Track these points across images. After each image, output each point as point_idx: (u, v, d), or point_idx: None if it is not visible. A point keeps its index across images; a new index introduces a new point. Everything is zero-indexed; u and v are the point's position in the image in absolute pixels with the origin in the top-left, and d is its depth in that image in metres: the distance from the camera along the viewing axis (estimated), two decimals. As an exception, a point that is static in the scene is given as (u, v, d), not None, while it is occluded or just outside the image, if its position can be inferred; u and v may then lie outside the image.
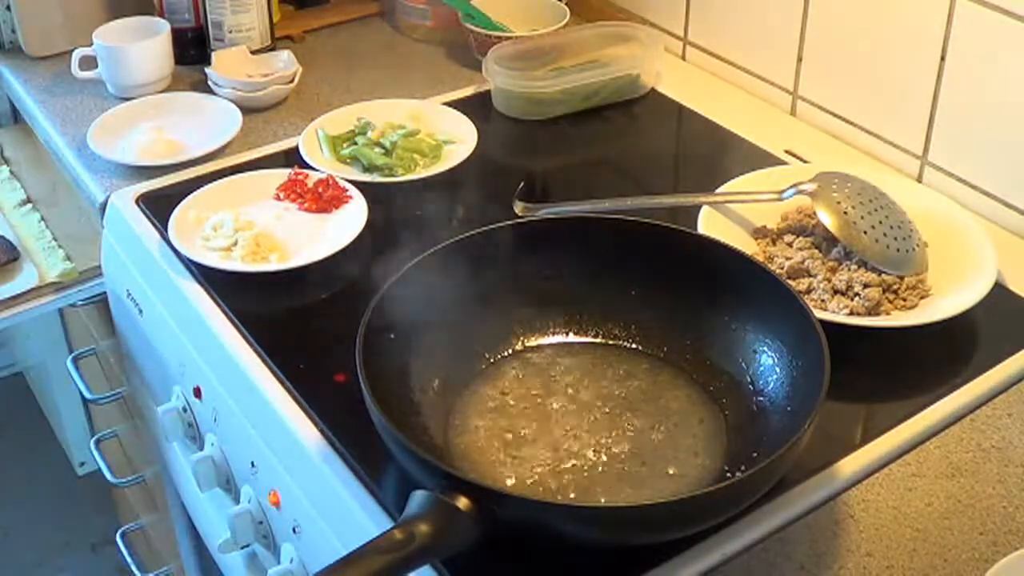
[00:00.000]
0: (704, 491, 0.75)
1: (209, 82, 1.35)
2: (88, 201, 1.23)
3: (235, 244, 1.05)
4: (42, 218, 1.35)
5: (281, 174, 1.15)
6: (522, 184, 1.12)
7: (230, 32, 1.41)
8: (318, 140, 1.21)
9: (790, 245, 1.03)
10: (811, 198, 1.03)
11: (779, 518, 0.79)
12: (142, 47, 1.35)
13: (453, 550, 0.69)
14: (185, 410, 1.07)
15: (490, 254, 0.90)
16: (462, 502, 0.68)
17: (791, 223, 1.06)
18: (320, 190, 1.12)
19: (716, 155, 1.25)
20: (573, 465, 0.82)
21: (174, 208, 1.08)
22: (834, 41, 1.24)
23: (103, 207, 1.19)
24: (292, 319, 1.02)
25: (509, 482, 0.80)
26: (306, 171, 1.15)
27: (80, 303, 1.29)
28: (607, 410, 0.87)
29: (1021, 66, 1.05)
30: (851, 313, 0.95)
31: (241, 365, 0.94)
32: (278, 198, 1.13)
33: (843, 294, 0.97)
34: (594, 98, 1.32)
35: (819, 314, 0.86)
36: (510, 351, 0.92)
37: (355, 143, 1.20)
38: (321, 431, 0.87)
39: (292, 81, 1.36)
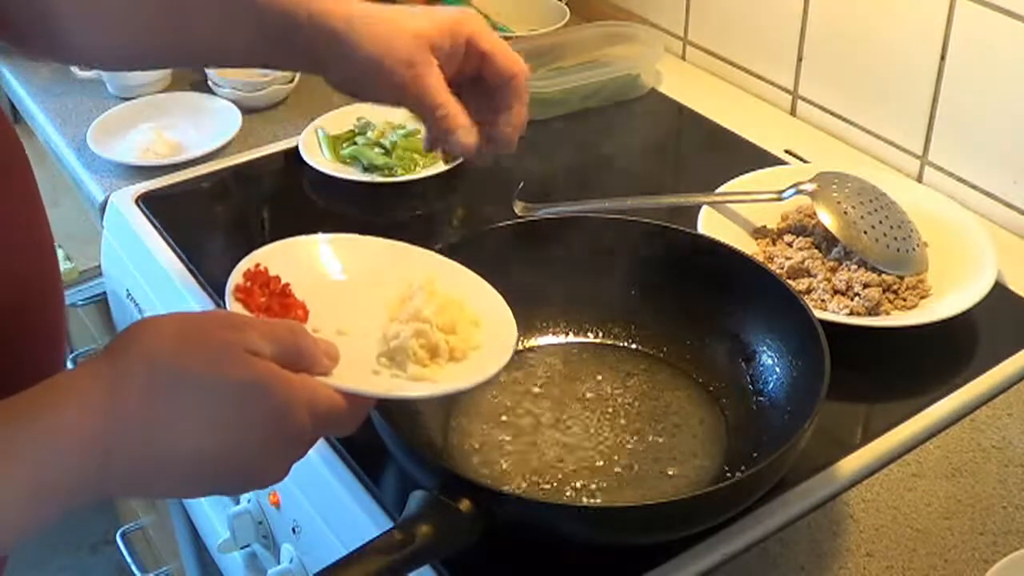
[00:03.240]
0: (704, 491, 0.75)
1: (209, 82, 1.35)
2: (88, 201, 1.23)
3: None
4: (42, 218, 1.35)
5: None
6: (522, 184, 1.12)
7: (230, 32, 1.41)
8: (318, 140, 1.21)
9: (790, 245, 1.03)
10: (811, 198, 1.03)
11: (779, 518, 0.79)
12: (142, 47, 1.34)
13: (453, 550, 0.69)
14: (185, 410, 1.06)
15: (490, 254, 0.90)
16: (462, 502, 0.68)
17: (791, 223, 1.06)
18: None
19: (716, 155, 1.25)
20: (573, 465, 0.82)
21: (174, 208, 1.08)
22: (834, 41, 1.24)
23: (103, 207, 1.19)
24: (292, 319, 1.01)
25: (509, 482, 0.80)
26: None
27: (80, 303, 1.28)
28: (607, 410, 0.86)
29: (1021, 66, 1.05)
30: (851, 313, 0.95)
31: (241, 365, 0.94)
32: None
33: (843, 294, 0.97)
34: (594, 98, 1.32)
35: (819, 314, 0.86)
36: (510, 351, 0.92)
37: (355, 143, 1.20)
38: (321, 431, 0.87)
39: (292, 81, 1.36)
